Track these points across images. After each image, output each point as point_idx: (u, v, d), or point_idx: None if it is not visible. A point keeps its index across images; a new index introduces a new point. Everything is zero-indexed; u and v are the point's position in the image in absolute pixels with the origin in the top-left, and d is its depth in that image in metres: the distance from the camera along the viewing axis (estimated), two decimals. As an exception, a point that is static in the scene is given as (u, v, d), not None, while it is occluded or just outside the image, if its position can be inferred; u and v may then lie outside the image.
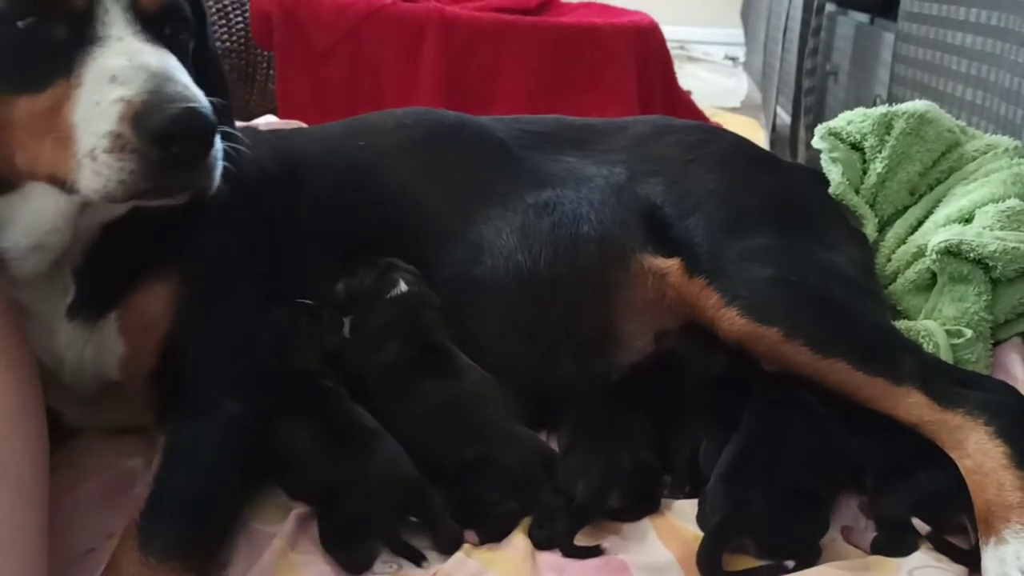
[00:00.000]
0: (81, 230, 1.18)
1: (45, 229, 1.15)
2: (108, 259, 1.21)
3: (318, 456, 1.21)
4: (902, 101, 1.79)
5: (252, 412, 1.21)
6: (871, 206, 1.68)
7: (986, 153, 1.69)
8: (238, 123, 1.42)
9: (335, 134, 1.63)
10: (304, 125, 2.31)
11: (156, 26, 1.10)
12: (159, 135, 0.97)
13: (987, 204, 1.52)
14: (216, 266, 1.24)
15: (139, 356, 1.22)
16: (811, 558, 1.13)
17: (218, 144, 1.05)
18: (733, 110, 4.48)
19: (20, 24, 1.03)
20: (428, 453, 1.24)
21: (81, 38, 1.04)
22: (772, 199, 1.53)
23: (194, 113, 0.98)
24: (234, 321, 1.27)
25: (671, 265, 1.44)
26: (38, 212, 1.13)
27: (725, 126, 3.57)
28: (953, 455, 1.19)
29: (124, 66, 1.01)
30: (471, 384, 1.31)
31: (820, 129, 1.76)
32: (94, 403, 1.31)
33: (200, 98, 1.00)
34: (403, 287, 1.40)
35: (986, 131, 1.92)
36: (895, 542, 1.15)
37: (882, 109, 1.72)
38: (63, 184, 1.04)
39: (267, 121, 2.59)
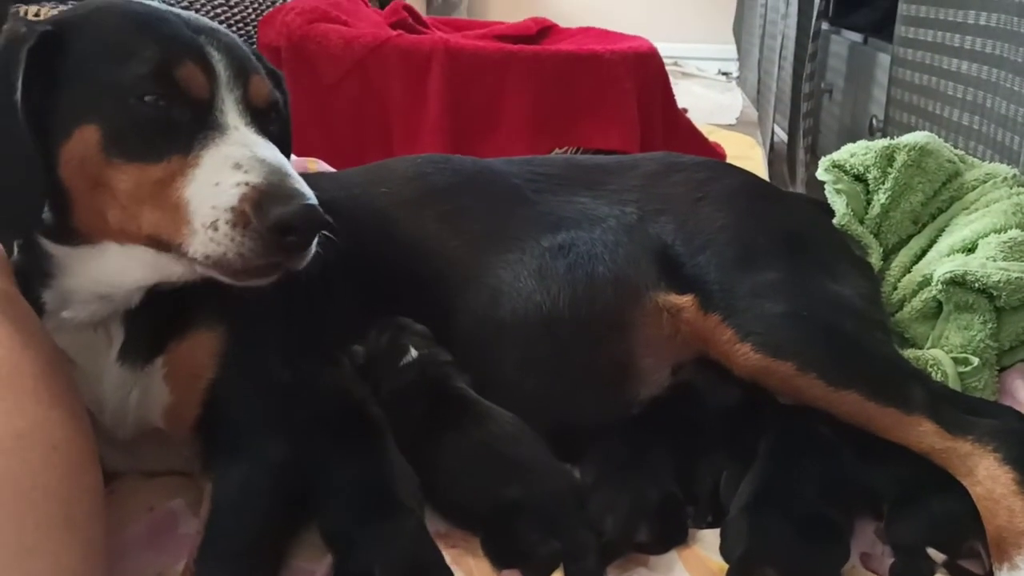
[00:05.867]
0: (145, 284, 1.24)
1: (114, 282, 1.22)
2: (157, 306, 1.26)
3: (345, 514, 1.22)
4: (899, 123, 1.84)
5: (297, 455, 1.24)
6: (875, 236, 1.74)
7: (986, 182, 1.74)
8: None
9: (358, 181, 1.67)
10: (324, 163, 2.35)
11: (262, 119, 1.20)
12: (280, 224, 1.06)
13: (989, 234, 1.57)
14: (257, 315, 1.28)
15: (184, 405, 1.26)
16: (833, 585, 1.16)
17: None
18: (729, 127, 4.50)
19: (146, 99, 1.11)
20: (462, 499, 1.28)
21: (200, 122, 1.13)
22: (780, 233, 1.57)
23: (312, 210, 1.08)
24: (274, 368, 1.31)
25: (685, 302, 1.48)
26: (111, 266, 1.20)
27: (722, 143, 3.64)
28: (964, 482, 1.23)
29: (247, 156, 1.11)
30: (498, 426, 1.34)
31: (824, 161, 1.82)
32: (131, 448, 1.35)
33: (312, 195, 1.10)
34: (413, 353, 1.43)
35: (983, 156, 1.98)
36: (912, 568, 1.19)
37: (884, 142, 1.77)
38: (167, 247, 1.13)
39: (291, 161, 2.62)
